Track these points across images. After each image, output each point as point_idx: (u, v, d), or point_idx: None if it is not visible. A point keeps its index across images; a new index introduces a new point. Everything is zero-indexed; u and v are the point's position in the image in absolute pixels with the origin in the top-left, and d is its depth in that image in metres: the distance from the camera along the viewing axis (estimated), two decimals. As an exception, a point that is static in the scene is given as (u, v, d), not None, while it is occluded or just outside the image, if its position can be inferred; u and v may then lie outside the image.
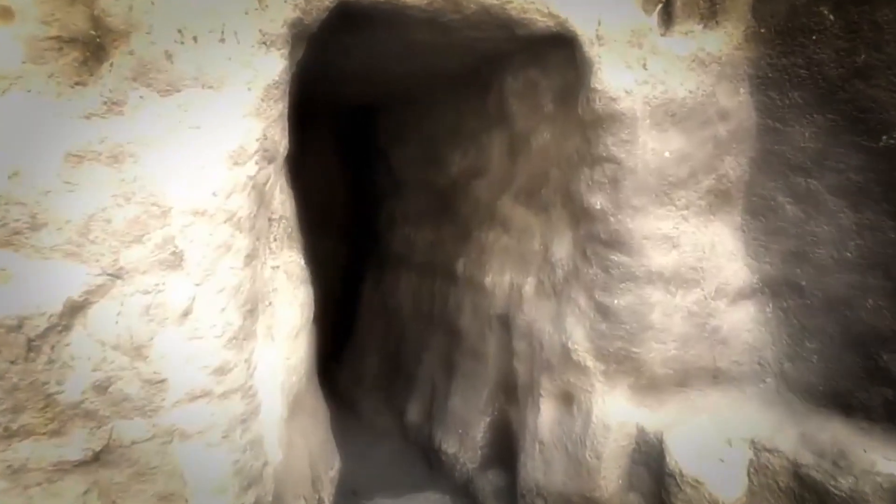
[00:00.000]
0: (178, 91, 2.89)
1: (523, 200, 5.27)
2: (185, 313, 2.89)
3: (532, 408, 4.88)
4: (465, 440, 5.89)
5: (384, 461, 6.82)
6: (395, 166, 7.79)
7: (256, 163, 3.13)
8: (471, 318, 6.04)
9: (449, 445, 6.08)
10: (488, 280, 5.70)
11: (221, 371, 3.00)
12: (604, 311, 4.23)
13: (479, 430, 5.76)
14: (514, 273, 5.34)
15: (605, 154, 4.12)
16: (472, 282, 6.01)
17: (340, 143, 9.68)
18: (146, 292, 2.82)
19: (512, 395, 5.38)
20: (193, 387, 2.92)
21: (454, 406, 6.15)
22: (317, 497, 4.95)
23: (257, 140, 3.11)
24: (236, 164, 3.02)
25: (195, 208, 2.91)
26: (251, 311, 3.24)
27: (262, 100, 3.11)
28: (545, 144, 4.91)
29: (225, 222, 3.01)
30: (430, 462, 6.42)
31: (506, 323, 5.41)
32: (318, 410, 5.57)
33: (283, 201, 3.92)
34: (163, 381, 2.85)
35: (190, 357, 2.91)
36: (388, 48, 4.72)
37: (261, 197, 3.26)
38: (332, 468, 5.50)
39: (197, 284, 2.92)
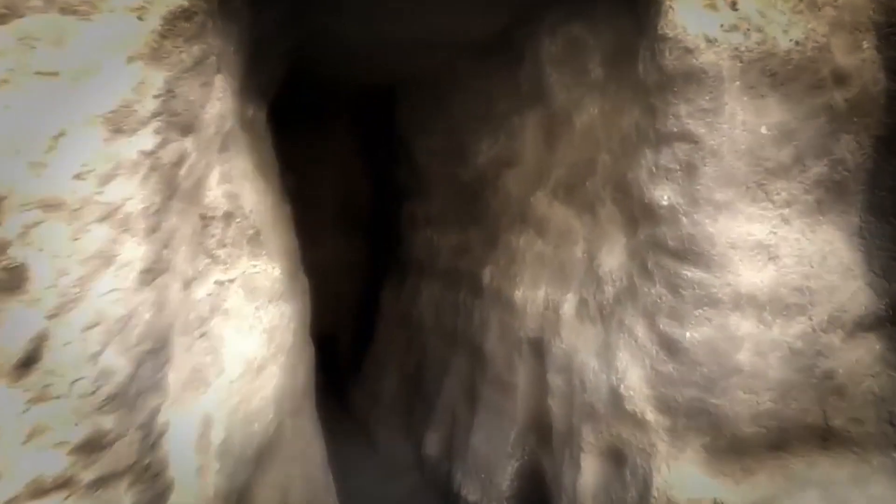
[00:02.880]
0: (20, 17, 1.82)
1: (562, 196, 4.09)
2: (27, 362, 1.81)
3: (570, 463, 3.70)
4: (488, 488, 4.73)
5: (397, 502, 5.72)
6: (417, 159, 6.69)
7: (157, 132, 2.05)
8: (497, 339, 4.88)
9: (470, 491, 4.94)
10: (518, 294, 4.54)
11: (91, 447, 1.92)
12: (671, 347, 3.03)
13: (506, 478, 4.59)
14: (551, 287, 4.17)
15: (676, 129, 2.93)
16: (500, 295, 4.86)
17: (363, 133, 8.61)
18: (-40, 329, 1.75)
19: (545, 438, 4.21)
20: (41, 473, 1.84)
21: (477, 444, 5.01)
22: (295, 565, 3.88)
23: (156, 97, 2.02)
24: (118, 131, 1.94)
25: (45, 199, 1.83)
26: (154, 351, 2.15)
27: (164, 36, 2.02)
28: (592, 123, 3.73)
29: (101, 221, 1.93)
30: (448, 508, 5.29)
31: (538, 349, 4.24)
32: (307, 452, 4.49)
33: (233, 194, 2.84)
34: (-14, 467, 1.78)
35: (36, 428, 1.83)
36: (388, 2, 3.60)
37: (170, 184, 2.17)
38: (324, 521, 4.43)
39: (49, 317, 1.84)
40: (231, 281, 2.95)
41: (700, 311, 2.96)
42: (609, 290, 3.46)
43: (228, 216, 2.80)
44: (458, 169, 5.81)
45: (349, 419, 7.45)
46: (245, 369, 3.01)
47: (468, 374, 5.40)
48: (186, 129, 2.20)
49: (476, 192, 5.50)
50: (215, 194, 2.59)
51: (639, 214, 3.25)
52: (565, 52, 3.84)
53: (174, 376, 2.31)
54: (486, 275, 5.14)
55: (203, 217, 2.54)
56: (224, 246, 2.83)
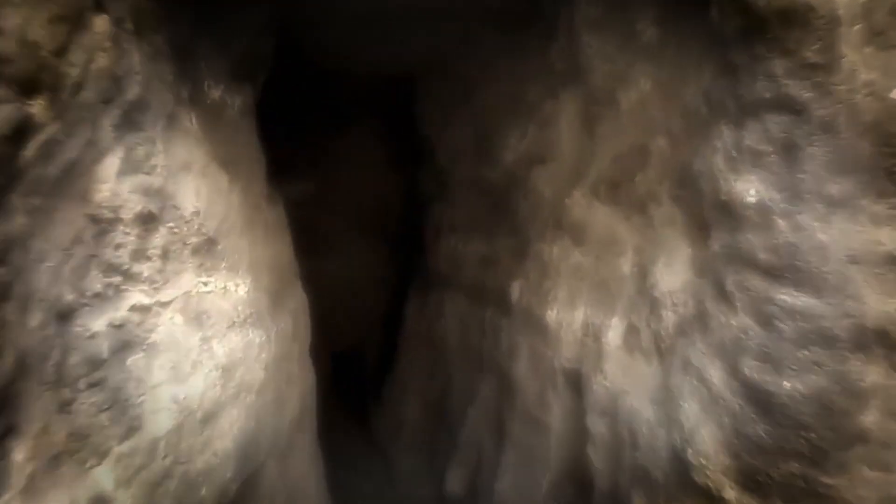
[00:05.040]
0: None
1: (605, 195, 3.20)
2: None
3: (618, 536, 2.78)
4: (517, 545, 3.84)
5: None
6: (440, 159, 5.86)
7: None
8: (528, 366, 4.00)
9: (496, 546, 4.06)
10: (552, 315, 3.65)
11: None
12: (762, 401, 2.10)
13: (538, 536, 3.69)
14: (591, 309, 3.27)
15: (769, 95, 2.02)
16: (531, 316, 3.97)
17: (389, 135, 7.81)
18: None
19: (585, 494, 3.30)
20: None
21: (504, 489, 4.12)
22: None
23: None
24: None
25: None
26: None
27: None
28: (642, 100, 2.83)
29: None
30: (472, 560, 4.42)
31: (576, 384, 3.34)
32: (298, 498, 3.69)
33: (157, 190, 2.06)
34: None
35: None
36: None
37: (2, 169, 1.38)
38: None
39: None
40: (163, 304, 2.16)
41: (805, 352, 2.01)
42: (668, 317, 2.54)
43: (149, 219, 2.01)
44: (484, 168, 4.96)
45: (369, 445, 6.64)
46: (181, 421, 2.22)
47: (495, 405, 4.52)
48: (29, 86, 1.41)
49: (504, 195, 4.64)
50: (116, 189, 1.80)
51: (711, 217, 2.33)
52: (607, 11, 2.95)
53: (27, 453, 1.52)
54: (515, 290, 4.26)
55: (95, 220, 1.75)
56: (147, 259, 2.05)
